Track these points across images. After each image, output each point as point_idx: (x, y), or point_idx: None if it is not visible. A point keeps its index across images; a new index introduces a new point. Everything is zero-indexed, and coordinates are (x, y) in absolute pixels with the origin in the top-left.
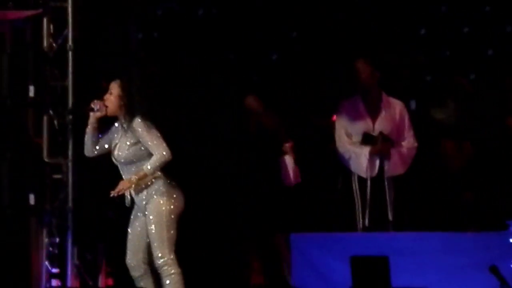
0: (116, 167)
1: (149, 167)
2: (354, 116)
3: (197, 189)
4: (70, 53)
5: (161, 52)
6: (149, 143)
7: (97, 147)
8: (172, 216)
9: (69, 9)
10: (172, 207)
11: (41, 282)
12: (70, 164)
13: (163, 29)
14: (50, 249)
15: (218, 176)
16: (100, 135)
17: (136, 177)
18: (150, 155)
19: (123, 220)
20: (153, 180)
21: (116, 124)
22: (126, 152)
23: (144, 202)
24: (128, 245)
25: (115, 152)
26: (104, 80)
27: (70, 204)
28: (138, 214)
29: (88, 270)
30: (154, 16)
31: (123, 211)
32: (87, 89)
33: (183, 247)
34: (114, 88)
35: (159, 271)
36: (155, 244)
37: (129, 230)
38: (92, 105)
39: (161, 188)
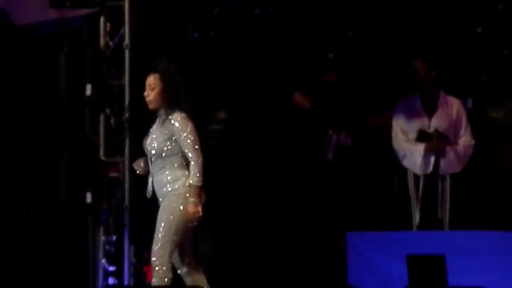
0: None
1: (196, 179)
2: (411, 114)
3: (253, 189)
4: (126, 52)
5: (217, 51)
6: (185, 143)
7: None
8: (184, 221)
9: (126, 8)
10: (186, 211)
11: (97, 280)
12: (126, 162)
13: (219, 28)
14: (107, 247)
15: (275, 176)
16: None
17: (192, 198)
18: (181, 151)
19: None
20: (170, 178)
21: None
22: (159, 145)
23: (160, 199)
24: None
25: (148, 142)
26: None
27: (126, 202)
28: None
29: (145, 268)
30: (210, 15)
31: None
32: (143, 88)
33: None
34: (155, 83)
35: (153, 267)
36: (159, 244)
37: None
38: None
39: (180, 188)
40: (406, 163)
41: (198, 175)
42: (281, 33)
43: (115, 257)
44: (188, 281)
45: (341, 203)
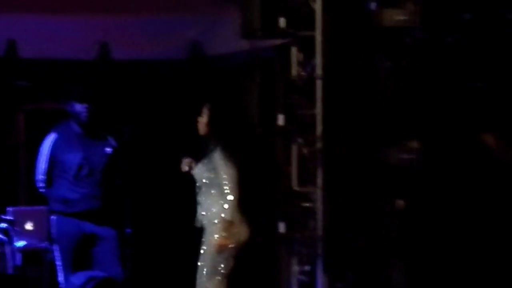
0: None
1: (227, 216)
2: None
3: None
4: (318, 82)
5: (410, 81)
6: (225, 181)
7: None
8: (220, 251)
9: (318, 38)
10: (222, 241)
11: None
12: (320, 192)
13: (411, 57)
14: (300, 277)
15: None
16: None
17: (223, 233)
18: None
19: (373, 249)
20: (213, 209)
21: None
22: (202, 174)
23: (208, 228)
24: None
25: (195, 171)
26: None
27: (320, 232)
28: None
29: None
30: (402, 44)
31: (371, 240)
32: (336, 118)
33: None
34: (205, 112)
35: None
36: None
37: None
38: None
39: (216, 221)
40: None
41: (227, 215)
42: (473, 62)
43: (308, 287)
44: None
45: None
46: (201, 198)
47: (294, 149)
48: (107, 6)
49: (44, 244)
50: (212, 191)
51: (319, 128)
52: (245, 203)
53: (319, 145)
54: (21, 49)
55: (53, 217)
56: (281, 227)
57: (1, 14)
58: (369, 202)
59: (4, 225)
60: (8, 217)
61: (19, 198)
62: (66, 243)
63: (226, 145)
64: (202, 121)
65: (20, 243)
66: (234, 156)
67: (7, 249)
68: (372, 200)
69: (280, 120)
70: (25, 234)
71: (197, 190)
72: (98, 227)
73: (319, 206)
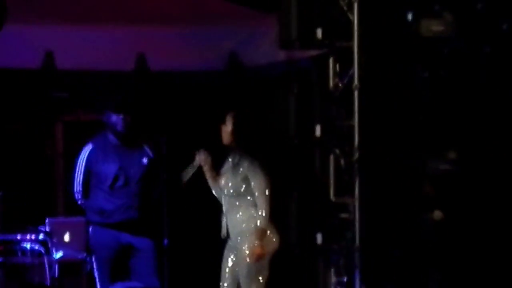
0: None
1: (261, 225)
2: None
3: None
4: (356, 92)
5: (448, 91)
6: (257, 191)
7: None
8: (257, 260)
9: (355, 49)
10: (258, 250)
11: None
12: (357, 203)
13: (450, 67)
14: None
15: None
16: None
17: (258, 242)
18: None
19: (411, 260)
20: (243, 219)
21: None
22: (234, 185)
23: (238, 239)
24: (222, 279)
25: (222, 182)
26: None
27: (357, 243)
28: (230, 249)
29: None
30: (440, 55)
31: (410, 251)
32: (373, 128)
33: None
34: (229, 120)
35: None
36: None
37: (222, 265)
38: (196, 158)
39: (248, 231)
40: None
41: (261, 224)
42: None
43: None
44: None
45: None
46: (228, 209)
47: (332, 160)
48: (144, 17)
49: (81, 255)
50: (241, 201)
51: (356, 139)
52: (277, 212)
53: (356, 156)
54: (59, 61)
55: (90, 228)
56: (319, 238)
57: (39, 25)
58: (407, 212)
59: (42, 236)
60: (45, 228)
61: (57, 209)
62: (103, 254)
63: (252, 154)
64: (226, 130)
65: (58, 254)
66: (264, 165)
67: (45, 260)
68: (410, 210)
69: (318, 131)
70: (62, 245)
71: (223, 201)
72: (135, 237)
73: (356, 217)
